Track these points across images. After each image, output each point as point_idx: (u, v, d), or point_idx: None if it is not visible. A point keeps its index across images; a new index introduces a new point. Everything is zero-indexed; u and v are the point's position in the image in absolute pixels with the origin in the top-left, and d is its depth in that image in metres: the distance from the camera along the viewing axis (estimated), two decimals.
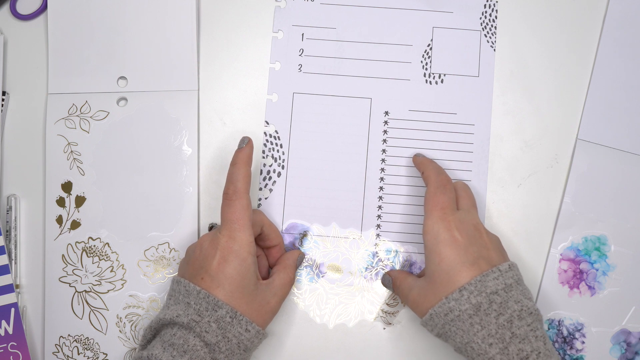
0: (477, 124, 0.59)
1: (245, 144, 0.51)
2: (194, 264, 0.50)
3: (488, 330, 0.46)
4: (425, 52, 0.59)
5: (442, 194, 0.51)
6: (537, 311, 0.48)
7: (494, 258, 0.49)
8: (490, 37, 0.60)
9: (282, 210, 0.58)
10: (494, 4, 0.60)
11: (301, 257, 0.56)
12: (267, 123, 0.59)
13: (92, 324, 0.56)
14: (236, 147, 0.52)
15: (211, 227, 0.55)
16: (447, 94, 0.59)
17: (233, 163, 0.51)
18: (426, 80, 0.59)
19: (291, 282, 0.53)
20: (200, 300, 0.48)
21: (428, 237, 0.50)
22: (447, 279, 0.48)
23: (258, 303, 0.50)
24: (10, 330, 0.55)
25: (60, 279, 0.57)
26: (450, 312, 0.47)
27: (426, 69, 0.59)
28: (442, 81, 0.59)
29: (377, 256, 0.58)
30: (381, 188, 0.58)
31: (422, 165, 0.55)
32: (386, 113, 0.59)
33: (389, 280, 0.55)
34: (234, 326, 0.48)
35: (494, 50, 0.60)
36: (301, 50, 0.59)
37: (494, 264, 0.48)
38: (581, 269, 0.57)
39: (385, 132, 0.59)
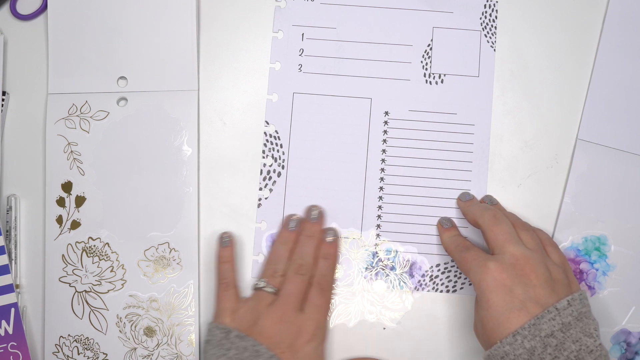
0: (477, 124, 0.59)
1: (228, 244, 0.56)
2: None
3: None
4: (425, 52, 0.59)
5: (466, 252, 0.52)
6: (598, 348, 0.47)
7: (541, 296, 0.47)
8: (490, 37, 0.60)
9: (282, 210, 0.58)
10: (494, 4, 0.60)
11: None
12: (267, 123, 0.59)
13: (92, 324, 0.56)
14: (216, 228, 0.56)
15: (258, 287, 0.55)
16: (447, 94, 0.59)
17: (222, 261, 0.56)
18: (426, 80, 0.59)
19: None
20: None
21: (475, 287, 0.50)
22: (497, 325, 0.47)
23: None
24: (10, 330, 0.55)
25: (60, 279, 0.57)
26: (506, 356, 0.46)
27: (426, 69, 0.59)
28: (442, 81, 0.59)
29: (377, 256, 0.58)
30: (381, 188, 0.58)
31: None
32: (386, 113, 0.59)
33: None
34: None
35: (494, 50, 0.60)
36: (301, 50, 0.59)
37: (542, 302, 0.47)
38: (581, 269, 0.57)
39: (385, 132, 0.59)
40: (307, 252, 0.55)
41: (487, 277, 0.49)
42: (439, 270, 0.57)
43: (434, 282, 0.57)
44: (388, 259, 0.58)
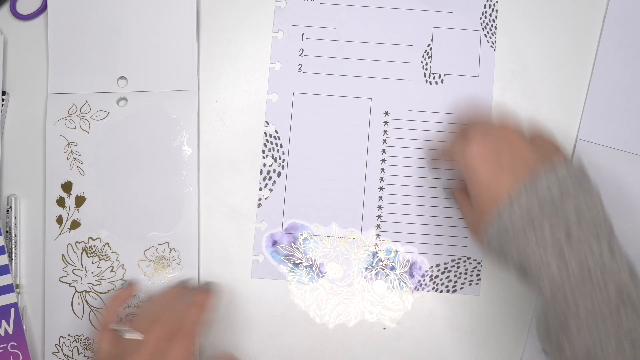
0: None
1: (125, 287, 0.55)
2: None
3: (543, 241, 0.43)
4: (425, 52, 0.59)
5: (447, 145, 0.52)
6: (598, 204, 0.44)
7: (529, 157, 0.46)
8: (490, 37, 0.60)
9: (282, 210, 0.58)
10: (494, 4, 0.60)
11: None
12: (267, 123, 0.59)
13: (92, 324, 0.56)
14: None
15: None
16: (447, 94, 0.59)
17: (192, 314, 0.52)
18: (426, 80, 0.59)
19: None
20: None
21: (463, 173, 0.48)
22: (491, 199, 0.45)
23: None
24: (10, 330, 0.55)
25: (60, 279, 0.57)
26: (504, 230, 0.44)
27: (426, 69, 0.59)
28: (442, 81, 0.59)
29: (377, 256, 0.58)
30: (381, 188, 0.58)
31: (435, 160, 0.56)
32: (386, 113, 0.59)
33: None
34: None
35: (494, 50, 0.60)
36: (301, 50, 0.59)
37: (531, 163, 0.45)
38: None
39: (385, 132, 0.59)
40: (180, 306, 0.53)
41: (471, 155, 0.47)
42: (439, 270, 0.57)
43: (434, 282, 0.57)
44: (388, 259, 0.58)
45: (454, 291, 0.57)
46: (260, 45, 0.60)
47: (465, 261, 0.58)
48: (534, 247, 0.43)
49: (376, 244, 0.58)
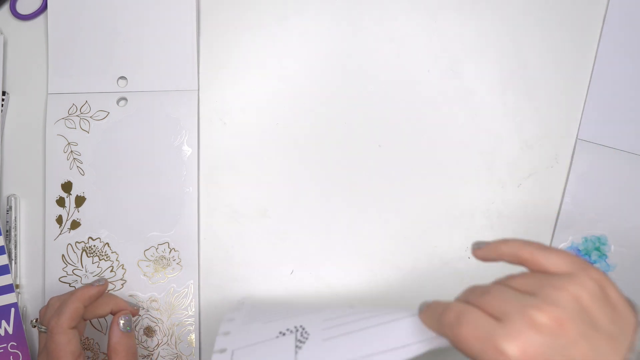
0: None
1: (98, 285, 0.51)
2: None
3: None
4: None
5: (459, 327, 0.36)
6: None
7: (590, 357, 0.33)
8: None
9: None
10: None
11: (127, 319, 0.52)
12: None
13: (92, 324, 0.56)
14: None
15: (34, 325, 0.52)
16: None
17: (72, 293, 0.50)
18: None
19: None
20: None
21: None
22: None
23: None
24: (10, 330, 0.55)
25: (60, 279, 0.57)
26: None
27: None
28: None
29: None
30: None
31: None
32: None
33: None
34: None
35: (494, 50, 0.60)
36: None
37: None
38: None
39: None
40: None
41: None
42: None
43: None
44: None
45: None
46: (260, 45, 0.60)
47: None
48: None
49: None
